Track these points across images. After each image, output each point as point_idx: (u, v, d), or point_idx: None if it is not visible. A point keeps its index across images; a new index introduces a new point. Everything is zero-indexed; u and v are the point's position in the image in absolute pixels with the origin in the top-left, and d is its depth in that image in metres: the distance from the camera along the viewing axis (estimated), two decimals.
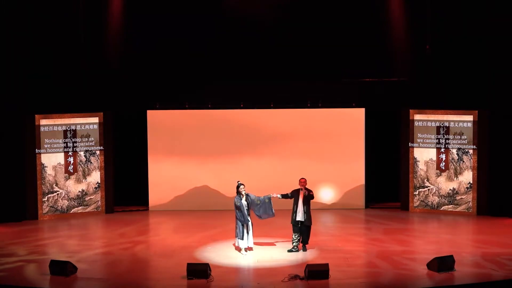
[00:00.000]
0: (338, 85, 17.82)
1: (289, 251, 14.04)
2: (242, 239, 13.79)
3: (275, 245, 14.49)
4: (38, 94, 17.12)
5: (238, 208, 13.75)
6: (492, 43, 16.73)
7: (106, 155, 17.56)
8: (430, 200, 17.41)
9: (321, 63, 17.63)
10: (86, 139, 17.43)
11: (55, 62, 17.27)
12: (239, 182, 14.00)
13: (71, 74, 17.42)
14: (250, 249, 13.92)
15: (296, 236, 14.08)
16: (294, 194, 14.12)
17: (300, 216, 14.00)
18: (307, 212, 14.01)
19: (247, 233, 13.81)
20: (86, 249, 14.48)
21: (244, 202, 13.78)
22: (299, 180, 14.17)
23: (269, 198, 13.97)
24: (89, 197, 17.50)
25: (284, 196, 14.13)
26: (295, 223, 14.06)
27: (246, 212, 13.75)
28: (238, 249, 13.93)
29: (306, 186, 14.07)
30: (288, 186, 14.31)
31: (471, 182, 17.05)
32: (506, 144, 16.75)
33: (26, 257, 13.89)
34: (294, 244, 14.09)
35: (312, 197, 14.09)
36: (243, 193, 13.82)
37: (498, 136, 16.84)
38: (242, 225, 13.77)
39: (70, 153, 17.28)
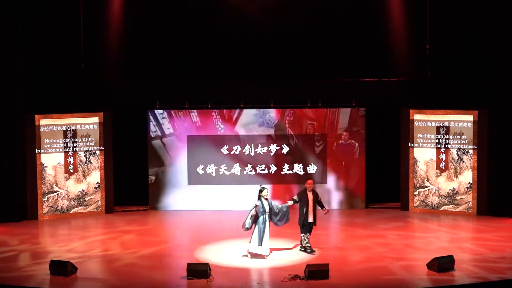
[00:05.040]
0: (338, 85, 17.83)
1: (308, 251, 13.88)
2: (261, 245, 13.45)
3: (273, 248, 14.50)
4: (38, 94, 17.12)
5: (261, 213, 13.43)
6: (492, 43, 16.73)
7: (106, 155, 17.55)
8: (430, 200, 17.40)
9: (321, 63, 17.62)
10: (86, 139, 17.42)
11: (55, 62, 17.26)
12: (262, 186, 13.75)
13: (71, 74, 17.41)
14: (252, 255, 13.74)
15: (308, 236, 13.95)
16: (302, 196, 14.02)
17: (311, 218, 13.95)
18: (315, 213, 14.01)
19: (263, 237, 13.43)
20: (86, 249, 14.47)
21: (266, 207, 13.48)
22: (307, 181, 14.17)
23: (287, 207, 13.81)
24: (89, 197, 17.49)
25: (294, 202, 14.01)
26: (306, 223, 13.95)
27: (267, 218, 13.41)
28: (260, 256, 13.49)
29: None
30: (287, 186, 14.28)
31: (471, 182, 17.04)
32: (506, 144, 16.74)
33: (25, 257, 13.90)
34: (308, 245, 13.91)
35: (319, 200, 14.11)
36: (266, 197, 13.56)
37: (498, 136, 16.83)
38: (261, 231, 13.41)
39: (70, 153, 17.27)
